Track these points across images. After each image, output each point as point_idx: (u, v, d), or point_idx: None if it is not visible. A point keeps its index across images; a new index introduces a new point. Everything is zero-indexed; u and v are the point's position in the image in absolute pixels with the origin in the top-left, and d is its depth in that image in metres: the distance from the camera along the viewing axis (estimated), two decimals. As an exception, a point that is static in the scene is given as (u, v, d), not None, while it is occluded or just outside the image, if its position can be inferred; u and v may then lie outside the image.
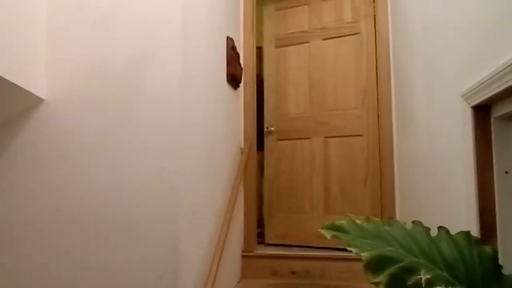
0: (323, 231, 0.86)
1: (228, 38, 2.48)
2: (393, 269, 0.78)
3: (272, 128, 2.92)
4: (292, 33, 2.70)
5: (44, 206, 1.64)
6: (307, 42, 2.90)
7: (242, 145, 2.73)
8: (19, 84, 1.53)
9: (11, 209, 1.66)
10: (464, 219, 1.34)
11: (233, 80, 2.53)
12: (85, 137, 1.66)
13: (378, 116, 2.70)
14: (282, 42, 2.97)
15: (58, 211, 1.64)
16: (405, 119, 2.39)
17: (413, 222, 0.93)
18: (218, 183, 2.19)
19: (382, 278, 0.78)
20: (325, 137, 2.76)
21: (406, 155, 2.40)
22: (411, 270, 0.79)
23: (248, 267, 2.62)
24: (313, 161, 2.80)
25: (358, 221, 0.89)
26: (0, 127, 1.67)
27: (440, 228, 0.92)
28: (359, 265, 2.38)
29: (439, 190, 1.71)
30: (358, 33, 2.79)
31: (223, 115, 2.36)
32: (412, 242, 0.86)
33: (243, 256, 2.65)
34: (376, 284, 0.78)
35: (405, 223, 0.92)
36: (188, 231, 1.69)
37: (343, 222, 0.88)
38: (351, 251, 2.36)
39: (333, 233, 0.85)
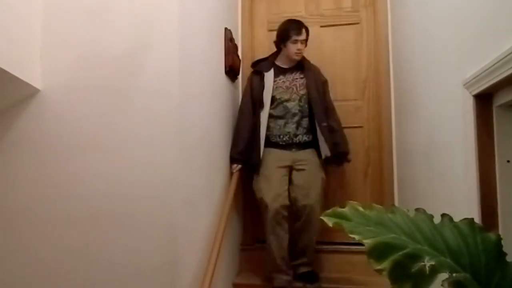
0: (325, 219, 0.85)
1: (226, 29, 2.45)
2: (396, 256, 0.77)
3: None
4: (286, 16, 2.62)
5: (40, 197, 1.62)
6: (303, 28, 2.83)
7: (241, 138, 2.71)
8: (16, 74, 1.50)
9: (6, 200, 1.64)
10: (464, 208, 1.33)
11: (231, 71, 2.51)
12: (81, 128, 1.64)
13: (378, 107, 2.69)
14: (275, 26, 2.88)
15: (54, 202, 1.62)
16: (405, 111, 2.37)
17: (416, 209, 0.92)
18: (216, 175, 2.17)
19: (385, 265, 0.77)
20: (324, 128, 2.72)
21: (405, 147, 2.39)
22: (415, 257, 0.78)
23: (247, 260, 2.62)
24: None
25: (361, 209, 0.87)
26: (-5, 118, 1.64)
27: (443, 215, 0.90)
28: (359, 258, 2.37)
29: (439, 180, 1.70)
30: (357, 23, 2.76)
31: (221, 106, 2.34)
32: (415, 229, 0.85)
33: (241, 250, 2.64)
34: (379, 271, 0.77)
35: (408, 210, 0.90)
36: (186, 223, 1.67)
37: (345, 209, 0.87)
38: (350, 244, 2.35)
39: (335, 220, 0.84)
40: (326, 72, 2.79)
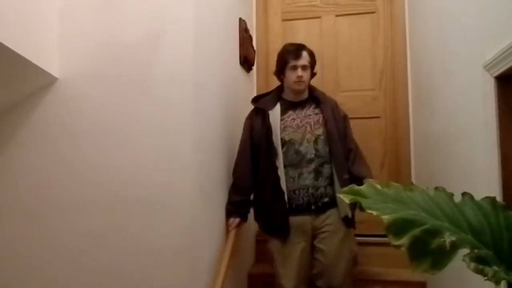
0: (341, 196, 0.84)
1: (240, 19, 2.45)
2: (416, 231, 0.76)
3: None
4: (300, 6, 2.58)
5: (58, 185, 1.65)
6: (318, 17, 2.79)
7: (255, 129, 2.70)
8: (35, 62, 1.53)
9: (25, 187, 1.67)
10: (485, 190, 1.30)
11: (246, 62, 2.51)
12: (98, 116, 1.66)
13: (395, 97, 2.64)
14: (290, 15, 2.80)
15: (73, 189, 1.64)
16: (422, 99, 2.33)
17: (436, 188, 0.90)
18: (231, 164, 2.17)
19: (404, 241, 0.75)
20: (340, 119, 2.69)
21: (423, 136, 2.35)
22: (434, 233, 0.76)
23: (262, 251, 2.61)
24: (328, 144, 2.75)
25: (378, 186, 0.86)
26: (15, 106, 1.67)
27: (464, 194, 0.88)
28: (374, 250, 2.33)
29: (458, 166, 1.67)
30: (374, 12, 2.71)
31: (235, 96, 2.34)
32: (435, 207, 0.83)
33: (257, 241, 2.64)
34: (398, 246, 0.75)
35: (427, 188, 0.88)
36: (202, 210, 1.68)
37: (362, 187, 0.86)
38: (365, 236, 2.31)
39: (352, 197, 0.82)
40: (342, 62, 2.76)
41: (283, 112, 1.97)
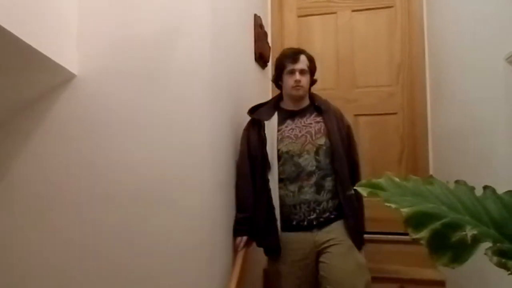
0: (359, 189, 0.82)
1: (255, 15, 2.44)
2: (436, 225, 0.74)
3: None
4: (316, 1, 2.56)
5: (76, 181, 1.67)
6: (334, 12, 2.76)
7: (271, 126, 2.69)
8: (54, 59, 1.55)
9: (42, 183, 1.70)
10: (505, 183, 1.26)
11: (261, 58, 2.50)
12: (115, 111, 1.67)
13: (413, 93, 2.60)
14: (305, 11, 2.78)
15: (88, 186, 1.66)
16: (441, 95, 2.29)
17: (456, 181, 0.87)
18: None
19: (423, 234, 0.74)
20: (355, 115, 2.66)
21: (441, 132, 2.31)
22: (455, 226, 0.74)
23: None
24: (343, 141, 2.73)
25: (397, 179, 0.84)
26: (33, 103, 1.70)
27: (485, 187, 0.86)
28: (389, 247, 2.31)
29: (477, 162, 1.63)
30: (391, 6, 2.67)
31: (251, 93, 2.33)
32: (455, 200, 0.81)
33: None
34: (417, 240, 0.74)
35: (447, 182, 0.86)
36: (219, 204, 1.68)
37: (380, 180, 0.84)
38: (381, 233, 2.29)
39: (370, 190, 0.81)
40: (358, 58, 2.73)
41: (281, 122, 1.84)
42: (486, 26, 1.53)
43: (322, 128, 1.81)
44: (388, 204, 0.77)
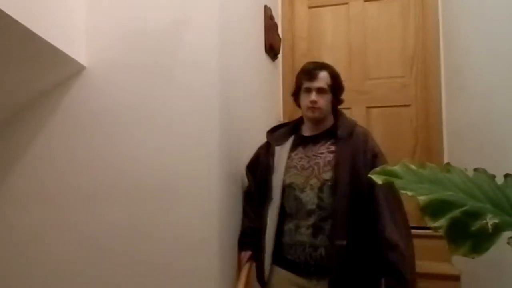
0: (373, 177, 0.80)
1: (265, 6, 2.41)
2: (454, 213, 0.71)
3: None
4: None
5: (86, 173, 1.67)
6: (345, 3, 2.72)
7: (281, 119, 2.67)
8: (64, 50, 1.55)
9: (54, 176, 1.70)
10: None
11: (271, 50, 2.47)
12: (124, 104, 1.66)
13: (427, 84, 2.54)
14: (316, 2, 2.75)
15: (100, 177, 1.66)
16: (458, 85, 2.23)
17: (475, 169, 0.84)
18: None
19: (442, 222, 0.71)
20: (367, 107, 2.62)
21: (457, 124, 2.25)
22: (475, 214, 0.71)
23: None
24: (355, 133, 2.68)
25: (413, 167, 0.81)
26: (44, 95, 1.70)
27: (506, 175, 0.82)
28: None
29: (497, 154, 1.58)
30: (404, -5, 2.62)
31: (261, 85, 2.31)
32: (475, 188, 0.77)
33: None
34: (435, 228, 0.71)
35: (466, 169, 0.83)
36: (228, 197, 1.66)
37: (395, 167, 0.81)
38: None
39: (385, 177, 0.78)
40: (370, 49, 2.68)
41: (293, 148, 1.63)
42: (506, 14, 1.47)
43: (334, 159, 1.52)
44: (404, 192, 0.74)
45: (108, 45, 1.69)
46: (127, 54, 1.68)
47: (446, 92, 2.45)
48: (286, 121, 1.77)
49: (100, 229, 1.65)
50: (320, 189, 1.50)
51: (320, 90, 1.57)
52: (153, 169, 1.62)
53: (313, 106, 1.57)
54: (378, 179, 0.79)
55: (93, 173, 1.67)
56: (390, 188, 1.34)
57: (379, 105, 2.63)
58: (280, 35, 2.66)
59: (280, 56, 2.67)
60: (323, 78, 1.58)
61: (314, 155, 1.56)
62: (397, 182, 0.77)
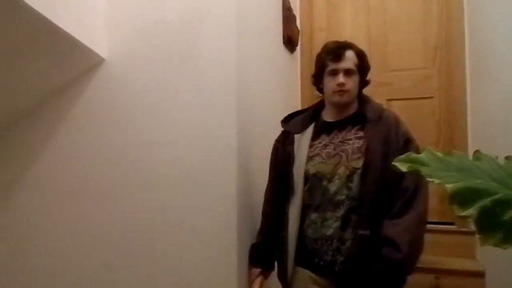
0: (397, 164, 0.76)
1: (284, -3, 2.38)
2: (485, 202, 0.67)
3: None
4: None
5: (105, 165, 1.69)
6: (365, -7, 2.66)
7: (300, 111, 2.64)
8: (84, 42, 1.56)
9: (73, 167, 1.72)
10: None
11: (290, 42, 2.44)
12: (143, 96, 1.67)
13: (450, 75, 2.46)
14: None
15: (119, 169, 1.67)
16: (484, 76, 2.15)
17: (507, 157, 0.80)
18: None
19: (471, 212, 0.67)
20: (388, 99, 2.56)
21: (483, 117, 2.17)
22: (507, 203, 0.67)
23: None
24: (375, 126, 2.63)
25: (440, 154, 0.77)
26: (64, 88, 1.73)
27: (540, 164, 0.78)
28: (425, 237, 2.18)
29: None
30: (426, -17, 2.54)
31: (279, 77, 2.28)
32: (506, 176, 0.73)
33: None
34: (464, 218, 0.67)
35: (497, 157, 0.79)
36: (245, 189, 1.65)
37: (421, 155, 0.77)
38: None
39: (410, 164, 0.75)
40: (391, 40, 2.62)
41: (315, 136, 1.51)
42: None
43: (364, 145, 1.40)
44: (430, 179, 0.71)
45: (127, 37, 1.70)
46: (146, 46, 1.68)
47: (471, 83, 2.37)
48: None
49: (120, 220, 1.66)
50: (349, 177, 1.39)
51: (348, 72, 1.45)
52: (172, 161, 1.62)
53: (341, 89, 1.44)
54: (402, 167, 0.76)
55: (113, 164, 1.68)
56: (419, 180, 1.33)
57: (400, 97, 2.57)
58: (299, 27, 2.63)
59: (298, 48, 2.63)
60: (350, 58, 1.46)
61: (340, 142, 1.45)
62: (423, 170, 0.73)
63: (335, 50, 1.47)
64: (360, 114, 1.48)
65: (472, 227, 0.67)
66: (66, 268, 1.71)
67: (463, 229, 2.25)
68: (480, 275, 2.04)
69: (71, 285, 1.69)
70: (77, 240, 1.70)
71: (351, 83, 1.46)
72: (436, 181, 0.70)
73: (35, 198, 1.76)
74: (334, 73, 1.46)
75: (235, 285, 1.51)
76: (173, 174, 1.62)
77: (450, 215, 2.37)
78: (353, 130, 1.46)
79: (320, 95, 1.61)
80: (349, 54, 1.46)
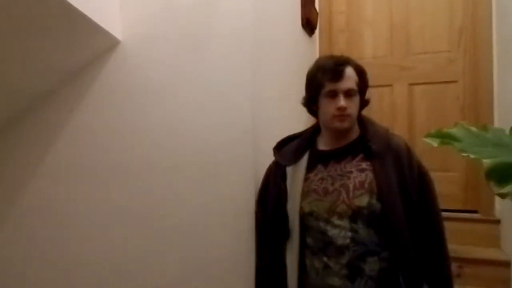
0: (428, 140, 0.72)
1: (302, -21, 2.31)
2: (525, 178, 0.62)
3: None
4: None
5: (122, 147, 1.67)
6: (386, -27, 2.56)
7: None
8: (100, 24, 1.54)
9: (90, 150, 1.71)
10: None
11: (308, 25, 2.37)
12: (159, 78, 1.65)
13: (476, 58, 2.36)
14: None
15: (135, 151, 1.66)
16: (510, 61, 2.05)
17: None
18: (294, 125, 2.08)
19: (509, 189, 0.62)
20: (410, 84, 2.48)
21: (509, 102, 2.08)
22: (550, 180, 0.62)
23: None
24: (395, 112, 2.53)
25: (474, 129, 0.73)
26: (80, 70, 1.71)
27: None
28: (447, 225, 2.14)
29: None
30: (452, -39, 2.43)
31: (297, 61, 2.22)
32: (547, 153, 0.68)
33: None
34: (502, 195, 0.62)
35: (536, 132, 0.73)
36: (262, 174, 1.62)
37: (453, 129, 0.73)
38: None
39: (441, 140, 0.70)
40: (413, 21, 2.51)
41: (311, 166, 1.29)
42: None
43: (368, 179, 1.20)
44: (465, 154, 0.66)
45: (142, 18, 1.67)
46: (161, 27, 1.65)
47: (498, 66, 2.27)
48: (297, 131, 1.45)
49: (137, 201, 1.65)
50: (353, 218, 1.18)
51: (348, 93, 1.23)
52: (189, 144, 1.60)
53: (341, 114, 1.22)
54: (433, 142, 0.71)
55: (130, 146, 1.67)
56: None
57: (423, 81, 2.48)
58: (317, 9, 2.55)
59: (317, 31, 2.56)
60: (350, 76, 1.24)
61: (339, 175, 1.24)
62: (456, 145, 0.69)
63: (333, 68, 1.23)
64: (361, 141, 1.27)
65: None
66: (88, 247, 1.70)
67: (488, 218, 2.18)
68: (505, 264, 1.97)
69: (90, 265, 1.70)
70: (96, 219, 1.69)
71: (353, 105, 1.24)
72: (472, 156, 0.65)
73: (54, 180, 1.76)
74: (333, 95, 1.23)
75: (252, 267, 1.48)
76: (190, 156, 1.59)
77: (473, 203, 2.29)
78: (354, 161, 1.25)
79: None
80: (349, 72, 1.24)
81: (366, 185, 1.19)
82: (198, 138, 1.58)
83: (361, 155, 1.24)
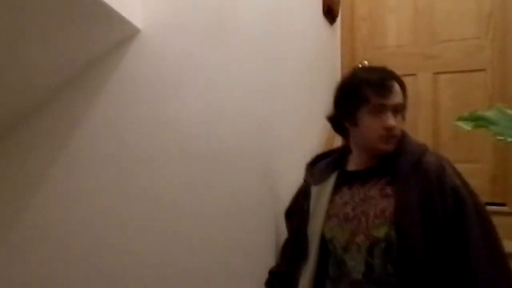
0: (460, 123, 0.68)
1: (323, -35, 2.26)
2: None
3: (365, 62, 2.35)
4: None
5: (142, 136, 1.65)
6: (411, -42, 2.49)
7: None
8: (120, 12, 1.54)
9: (111, 139, 1.71)
10: None
11: (329, 13, 2.32)
12: (180, 68, 1.63)
13: (506, 45, 2.27)
14: None
15: (156, 141, 1.65)
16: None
17: None
18: (315, 124, 2.04)
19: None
20: (434, 73, 2.40)
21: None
22: None
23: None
24: (419, 101, 2.44)
25: (510, 112, 0.68)
26: (99, 59, 1.70)
27: None
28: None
29: None
30: None
31: (319, 50, 2.19)
32: None
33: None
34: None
35: None
36: (283, 162, 1.61)
37: (488, 112, 0.69)
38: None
39: (474, 123, 0.66)
40: (439, 8, 2.43)
41: (337, 188, 1.18)
42: None
43: (390, 207, 1.04)
44: (501, 138, 0.62)
45: (163, 6, 1.65)
46: (182, 15, 1.63)
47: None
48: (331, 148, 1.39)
49: (159, 191, 1.65)
50: (370, 251, 1.04)
51: (396, 109, 1.09)
52: (209, 133, 1.59)
53: (390, 134, 1.08)
54: (465, 126, 0.67)
55: (151, 136, 1.66)
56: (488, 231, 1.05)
57: (449, 70, 2.40)
58: (339, -3, 2.50)
59: (338, 19, 2.51)
60: (398, 91, 1.11)
61: (362, 200, 1.10)
62: (491, 128, 0.65)
63: (382, 81, 1.09)
64: (391, 161, 1.09)
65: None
66: (108, 231, 1.70)
67: (515, 211, 2.10)
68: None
69: (117, 252, 1.70)
70: (119, 207, 1.69)
71: (399, 125, 1.11)
72: (509, 139, 0.61)
73: (75, 169, 1.78)
74: (380, 110, 1.08)
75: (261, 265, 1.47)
76: (210, 146, 1.58)
77: (501, 196, 2.22)
78: (379, 184, 1.10)
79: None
80: (396, 87, 1.11)
81: (387, 214, 1.03)
82: (219, 129, 1.57)
83: (388, 178, 1.09)
